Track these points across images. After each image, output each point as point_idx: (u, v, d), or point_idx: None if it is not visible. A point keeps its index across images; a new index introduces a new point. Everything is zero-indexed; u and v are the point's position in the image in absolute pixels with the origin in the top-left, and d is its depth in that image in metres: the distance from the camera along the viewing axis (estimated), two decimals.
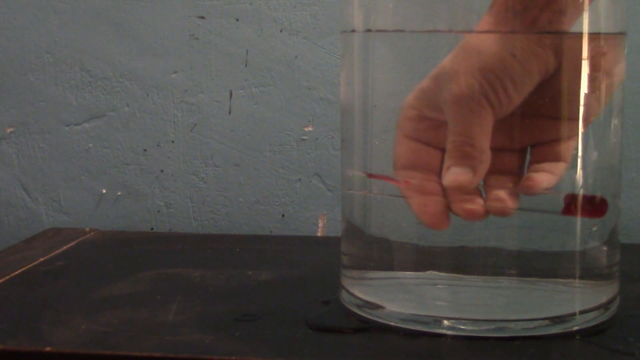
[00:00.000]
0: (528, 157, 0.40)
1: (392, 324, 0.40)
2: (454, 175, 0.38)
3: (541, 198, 0.39)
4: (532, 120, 0.39)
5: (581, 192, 0.40)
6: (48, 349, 0.38)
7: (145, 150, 0.66)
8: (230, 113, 0.64)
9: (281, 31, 0.63)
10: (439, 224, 0.39)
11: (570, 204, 0.39)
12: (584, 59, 0.38)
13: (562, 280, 0.41)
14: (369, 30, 0.42)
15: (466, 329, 0.39)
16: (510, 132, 0.38)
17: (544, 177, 0.38)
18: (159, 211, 0.66)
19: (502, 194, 0.38)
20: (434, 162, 0.39)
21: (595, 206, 0.39)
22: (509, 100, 0.37)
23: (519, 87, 0.37)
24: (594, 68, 0.38)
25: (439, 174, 0.39)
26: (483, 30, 0.38)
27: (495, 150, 0.38)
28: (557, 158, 0.39)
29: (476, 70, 0.37)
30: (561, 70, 0.38)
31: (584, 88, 0.39)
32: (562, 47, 0.37)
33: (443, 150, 0.39)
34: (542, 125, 0.39)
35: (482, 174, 0.38)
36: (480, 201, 0.38)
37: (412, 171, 0.39)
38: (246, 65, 0.64)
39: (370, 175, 0.42)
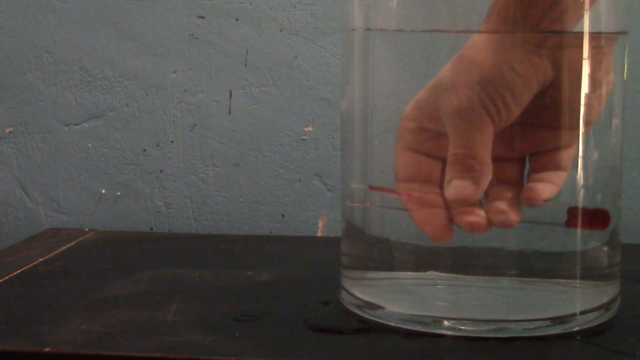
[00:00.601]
0: (527, 165, 0.40)
1: (392, 324, 0.40)
2: (457, 188, 0.38)
3: (544, 209, 0.39)
4: (531, 129, 0.39)
5: (581, 203, 0.39)
6: (47, 349, 0.38)
7: (144, 150, 0.65)
8: (230, 113, 0.64)
9: (281, 31, 0.63)
10: (442, 236, 0.39)
11: (573, 217, 0.39)
12: (585, 59, 0.38)
13: (562, 280, 0.41)
14: (369, 30, 0.42)
15: (466, 329, 0.39)
16: (509, 142, 0.39)
17: (545, 188, 0.38)
18: (158, 211, 0.66)
19: (503, 205, 0.38)
20: (435, 174, 0.39)
21: (598, 218, 0.39)
22: (508, 111, 0.37)
23: (517, 98, 0.37)
24: (594, 68, 0.38)
25: (440, 185, 0.39)
26: (480, 41, 0.38)
27: (495, 160, 0.38)
28: (556, 167, 0.39)
29: (475, 83, 0.37)
30: (559, 79, 0.38)
31: (585, 88, 0.39)
32: (560, 56, 0.37)
33: (444, 161, 0.39)
34: (540, 134, 0.39)
35: (485, 186, 0.38)
36: (482, 213, 0.38)
37: (413, 183, 0.39)
38: (246, 65, 0.64)
39: (372, 188, 0.42)
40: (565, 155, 0.39)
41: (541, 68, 0.37)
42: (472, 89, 0.37)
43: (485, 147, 0.37)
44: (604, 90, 0.39)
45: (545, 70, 0.37)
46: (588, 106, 0.39)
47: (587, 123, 0.39)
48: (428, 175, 0.39)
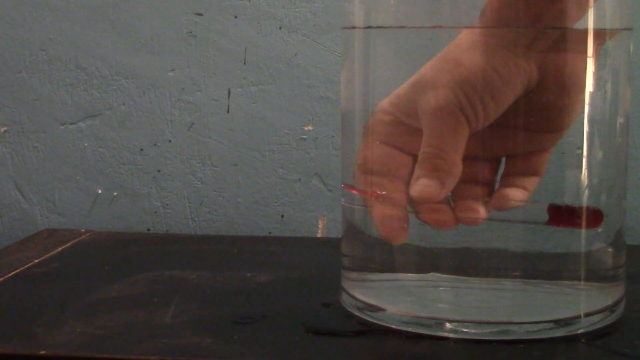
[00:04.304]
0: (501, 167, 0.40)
1: (394, 326, 0.40)
2: (422, 186, 0.38)
3: (523, 209, 0.39)
4: (508, 131, 0.39)
5: (584, 203, 0.39)
6: (43, 352, 0.37)
7: (141, 149, 0.65)
8: (228, 112, 0.64)
9: (280, 28, 0.63)
10: (395, 239, 0.40)
11: (553, 215, 0.39)
12: (589, 57, 0.38)
13: (567, 282, 0.41)
14: (369, 27, 0.41)
15: (469, 331, 0.38)
16: (485, 142, 0.38)
17: (516, 194, 0.39)
18: (155, 212, 0.65)
19: (472, 203, 0.38)
20: (405, 169, 0.39)
21: (585, 216, 0.39)
22: (486, 114, 0.37)
23: (498, 100, 0.37)
24: (581, 72, 0.38)
25: (408, 182, 0.39)
26: (465, 41, 0.38)
27: (468, 159, 0.38)
28: (530, 172, 0.39)
29: (455, 84, 0.37)
30: (543, 83, 0.37)
31: (589, 87, 0.38)
32: (548, 60, 0.37)
33: (416, 157, 0.39)
34: (518, 136, 0.39)
35: (451, 187, 0.38)
36: (449, 211, 0.39)
37: (382, 177, 0.40)
38: (245, 63, 0.63)
39: (345, 186, 0.42)
40: (540, 160, 0.39)
41: (527, 71, 0.37)
42: (452, 90, 0.37)
43: (456, 148, 0.37)
44: (587, 94, 0.39)
45: (531, 74, 0.37)
46: (568, 110, 0.38)
47: (561, 128, 0.39)
48: (398, 170, 0.39)
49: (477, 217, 0.38)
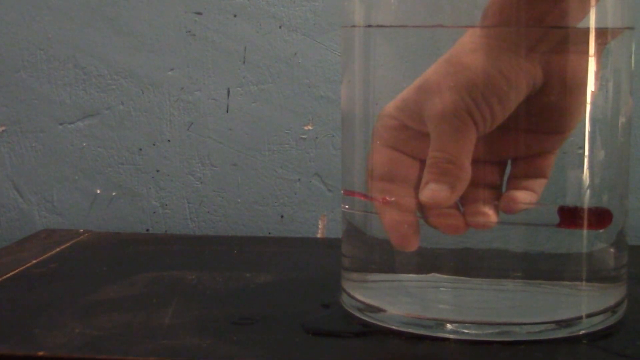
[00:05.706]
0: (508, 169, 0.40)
1: (394, 327, 0.40)
2: (432, 191, 0.38)
3: (532, 211, 0.39)
4: (514, 134, 0.38)
5: (586, 203, 0.39)
6: (41, 353, 0.37)
7: (140, 149, 0.65)
8: (227, 111, 0.64)
9: (280, 27, 0.62)
10: (407, 245, 0.39)
11: (564, 216, 0.39)
12: (591, 56, 0.38)
13: (568, 283, 0.41)
14: (370, 26, 0.41)
15: (470, 332, 0.38)
16: (492, 145, 0.38)
17: (524, 196, 0.39)
18: (154, 212, 0.65)
19: (481, 207, 0.38)
20: (413, 174, 0.39)
21: (586, 217, 0.39)
22: (493, 117, 0.37)
23: (504, 103, 0.37)
24: (584, 74, 0.38)
25: (416, 187, 0.39)
26: (469, 43, 0.37)
27: (475, 162, 0.38)
28: (537, 174, 0.39)
29: (461, 87, 0.37)
30: (548, 85, 0.37)
31: (591, 86, 0.38)
32: (550, 61, 0.37)
33: (423, 162, 0.39)
34: (524, 139, 0.39)
35: (461, 191, 0.38)
36: (459, 215, 0.38)
37: (389, 183, 0.39)
38: (244, 63, 0.63)
39: (346, 192, 0.42)
40: (546, 161, 0.39)
41: (531, 73, 0.37)
42: (458, 93, 0.37)
43: (465, 152, 0.37)
44: (589, 96, 0.39)
45: (535, 76, 0.37)
46: (573, 111, 0.38)
47: (566, 129, 0.39)
48: (406, 175, 0.39)
49: (488, 220, 0.38)
